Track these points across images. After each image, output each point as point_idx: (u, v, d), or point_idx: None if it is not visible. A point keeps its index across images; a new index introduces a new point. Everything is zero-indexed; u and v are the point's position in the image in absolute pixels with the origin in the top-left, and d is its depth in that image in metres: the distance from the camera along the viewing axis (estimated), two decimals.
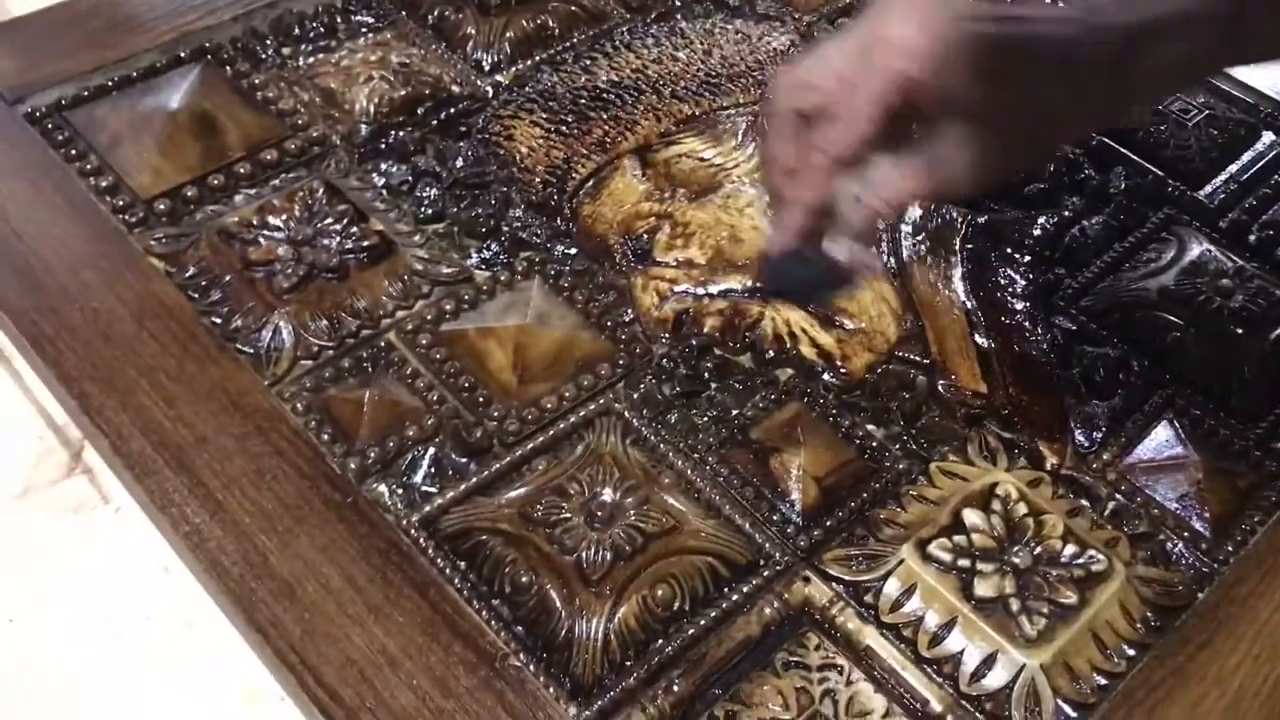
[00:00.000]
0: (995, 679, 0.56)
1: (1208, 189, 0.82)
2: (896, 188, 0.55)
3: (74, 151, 0.75)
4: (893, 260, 0.74)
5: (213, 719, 0.55)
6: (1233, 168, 0.84)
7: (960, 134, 0.54)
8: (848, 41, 0.55)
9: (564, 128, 0.80)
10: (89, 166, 0.74)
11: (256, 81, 0.81)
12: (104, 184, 0.73)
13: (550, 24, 0.88)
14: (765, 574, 0.60)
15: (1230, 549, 0.63)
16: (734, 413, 0.67)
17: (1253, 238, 0.79)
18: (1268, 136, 0.86)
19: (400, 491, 0.61)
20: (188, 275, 0.69)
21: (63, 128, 0.76)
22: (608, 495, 0.61)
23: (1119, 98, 0.58)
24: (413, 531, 0.59)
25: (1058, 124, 0.58)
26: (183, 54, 0.82)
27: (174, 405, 0.63)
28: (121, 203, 0.72)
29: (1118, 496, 0.65)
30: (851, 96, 0.53)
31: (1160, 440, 0.67)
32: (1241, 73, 0.89)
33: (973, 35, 0.52)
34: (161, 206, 0.72)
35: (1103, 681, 0.57)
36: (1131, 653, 0.58)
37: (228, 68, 0.82)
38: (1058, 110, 0.56)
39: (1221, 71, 0.66)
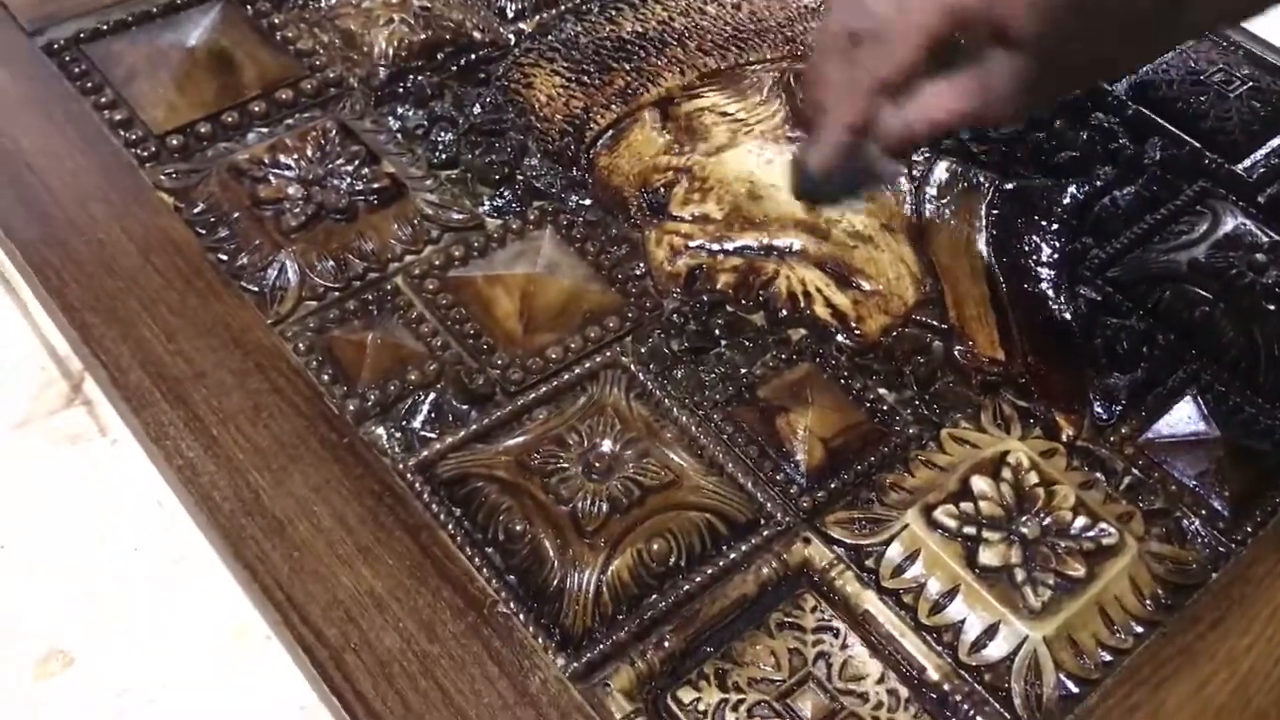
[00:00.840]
0: (996, 650, 0.55)
1: (1247, 162, 0.79)
2: (941, 109, 0.54)
3: (90, 85, 0.74)
4: (915, 222, 0.72)
5: (197, 654, 0.55)
6: (1275, 141, 0.81)
7: (1009, 61, 0.52)
8: None
9: (585, 78, 0.79)
10: (104, 100, 0.74)
11: (277, 21, 0.80)
12: (118, 118, 0.73)
13: None
14: (765, 533, 0.58)
15: (1249, 529, 0.61)
16: (742, 371, 0.65)
17: None
18: None
19: (398, 435, 0.60)
20: (196, 211, 0.68)
21: (80, 60, 0.76)
22: (607, 446, 0.60)
23: (1178, 29, 0.56)
24: (408, 475, 0.58)
25: (1114, 56, 0.56)
26: None
27: (174, 339, 0.62)
28: (134, 137, 0.72)
29: (1134, 471, 0.63)
30: (903, 20, 0.53)
31: (1182, 416, 0.65)
32: None
33: None
34: (174, 142, 0.72)
35: (1107, 658, 0.55)
36: (1139, 630, 0.56)
37: (248, 6, 0.81)
38: (1116, 42, 0.54)
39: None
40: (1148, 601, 0.57)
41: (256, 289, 0.65)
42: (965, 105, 0.54)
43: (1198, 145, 0.80)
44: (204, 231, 0.67)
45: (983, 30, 0.52)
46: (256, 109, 0.74)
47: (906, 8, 0.52)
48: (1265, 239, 0.74)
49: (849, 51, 0.55)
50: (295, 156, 0.71)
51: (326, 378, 0.62)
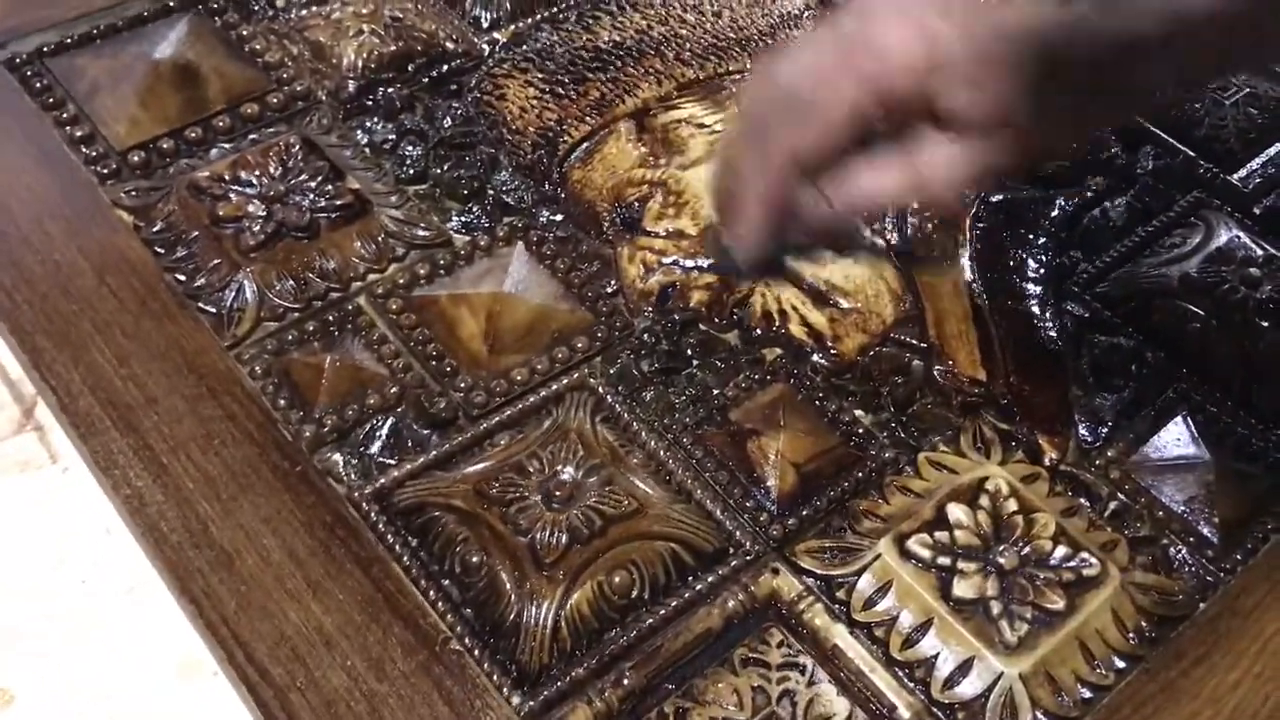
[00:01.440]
0: (970, 687, 0.53)
1: (1242, 172, 0.77)
2: (869, 191, 0.51)
3: (51, 100, 0.73)
4: (896, 237, 0.70)
5: (143, 690, 0.53)
6: (1271, 151, 0.78)
7: (946, 143, 0.49)
8: (826, 40, 0.51)
9: (559, 89, 0.77)
10: (65, 116, 0.72)
11: (245, 33, 0.79)
12: (79, 134, 0.71)
13: None
14: (733, 563, 0.56)
15: (1238, 558, 0.58)
16: (714, 392, 0.63)
17: None
18: None
19: (355, 462, 0.59)
20: (155, 230, 0.67)
21: (42, 75, 0.74)
22: (568, 474, 0.58)
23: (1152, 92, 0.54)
24: (364, 505, 0.57)
25: (1085, 123, 0.53)
26: (171, 3, 0.79)
27: (127, 364, 0.61)
28: (95, 153, 0.70)
29: (1120, 496, 0.60)
30: (826, 96, 0.50)
31: (1171, 438, 0.63)
32: None
33: (1021, 38, 0.47)
34: (135, 158, 0.70)
35: (1087, 694, 0.53)
36: (1121, 665, 0.54)
37: (217, 19, 0.80)
38: (1089, 110, 0.52)
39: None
40: (1131, 635, 0.55)
41: (214, 310, 0.64)
42: (898, 190, 0.51)
43: (1192, 154, 0.78)
44: (162, 251, 0.66)
45: (916, 111, 0.49)
46: (221, 124, 0.73)
47: (828, 83, 0.49)
48: (1260, 252, 0.71)
49: (764, 121, 0.52)
50: (257, 173, 0.69)
51: (282, 402, 0.60)
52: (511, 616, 0.53)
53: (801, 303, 0.67)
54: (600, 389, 0.63)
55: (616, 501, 0.57)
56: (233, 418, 0.59)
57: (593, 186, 0.72)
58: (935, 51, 0.48)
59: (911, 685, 0.53)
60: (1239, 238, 0.72)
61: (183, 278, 0.65)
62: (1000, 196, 0.73)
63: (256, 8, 0.81)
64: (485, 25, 0.82)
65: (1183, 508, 0.60)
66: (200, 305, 0.64)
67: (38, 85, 0.74)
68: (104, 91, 0.74)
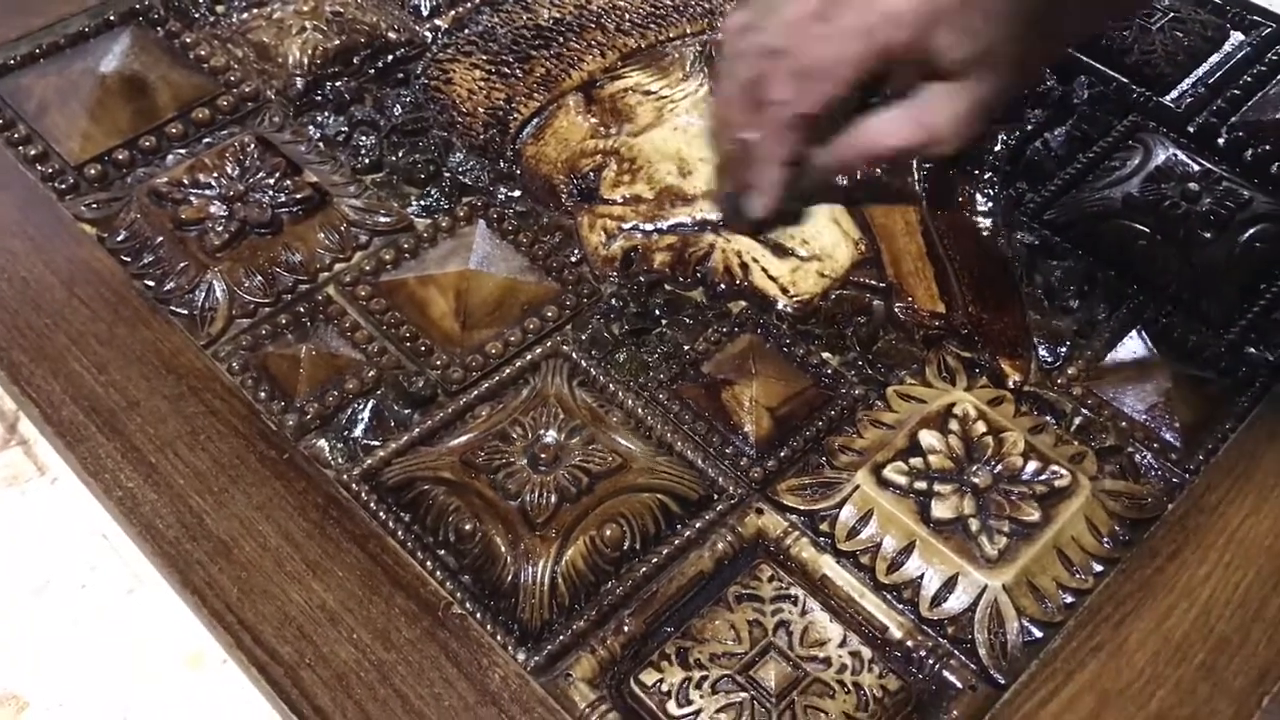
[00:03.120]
0: (957, 602, 0.55)
1: (1174, 93, 0.79)
2: (880, 144, 0.55)
3: (1, 121, 0.73)
4: (846, 182, 0.71)
5: (154, 684, 0.54)
6: (1200, 70, 0.81)
7: (949, 91, 0.53)
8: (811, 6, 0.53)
9: (505, 68, 0.78)
10: (16, 135, 0.72)
11: (188, 40, 0.79)
12: (32, 152, 0.71)
13: None
14: (718, 508, 0.58)
15: (1201, 458, 0.61)
16: (685, 348, 0.65)
17: (1221, 140, 0.76)
18: (1236, 37, 0.83)
19: (341, 446, 0.60)
20: (119, 239, 0.67)
21: None
22: (551, 437, 0.59)
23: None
24: (353, 485, 0.58)
25: (1058, 50, 0.56)
26: (112, 17, 0.80)
27: (105, 370, 0.61)
28: (50, 170, 0.71)
29: (1084, 411, 0.63)
30: (824, 55, 0.52)
31: (1127, 351, 0.65)
32: None
33: None
34: (91, 172, 0.71)
35: (1069, 599, 0.55)
36: (1099, 568, 0.56)
37: (158, 28, 0.80)
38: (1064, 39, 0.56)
39: None
40: (1105, 539, 0.57)
41: (186, 312, 0.64)
42: (907, 139, 0.55)
43: (1125, 80, 0.80)
44: (128, 259, 0.66)
45: (913, 64, 0.52)
46: (174, 131, 0.73)
47: (826, 40, 0.52)
48: (1196, 168, 0.73)
49: (761, 82, 0.54)
50: (215, 175, 0.70)
51: (263, 394, 0.61)
52: (509, 578, 0.55)
53: (761, 254, 0.68)
54: (574, 354, 0.64)
55: (601, 459, 0.58)
56: (216, 413, 0.60)
57: (547, 160, 0.73)
58: (931, 3, 0.50)
59: (900, 606, 0.55)
60: (1176, 156, 0.74)
61: (152, 283, 0.65)
62: None
63: (197, 15, 0.81)
64: (425, 13, 0.83)
65: (1144, 416, 0.62)
66: (172, 308, 0.64)
67: None
68: (53, 109, 0.74)
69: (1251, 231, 0.70)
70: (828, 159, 0.57)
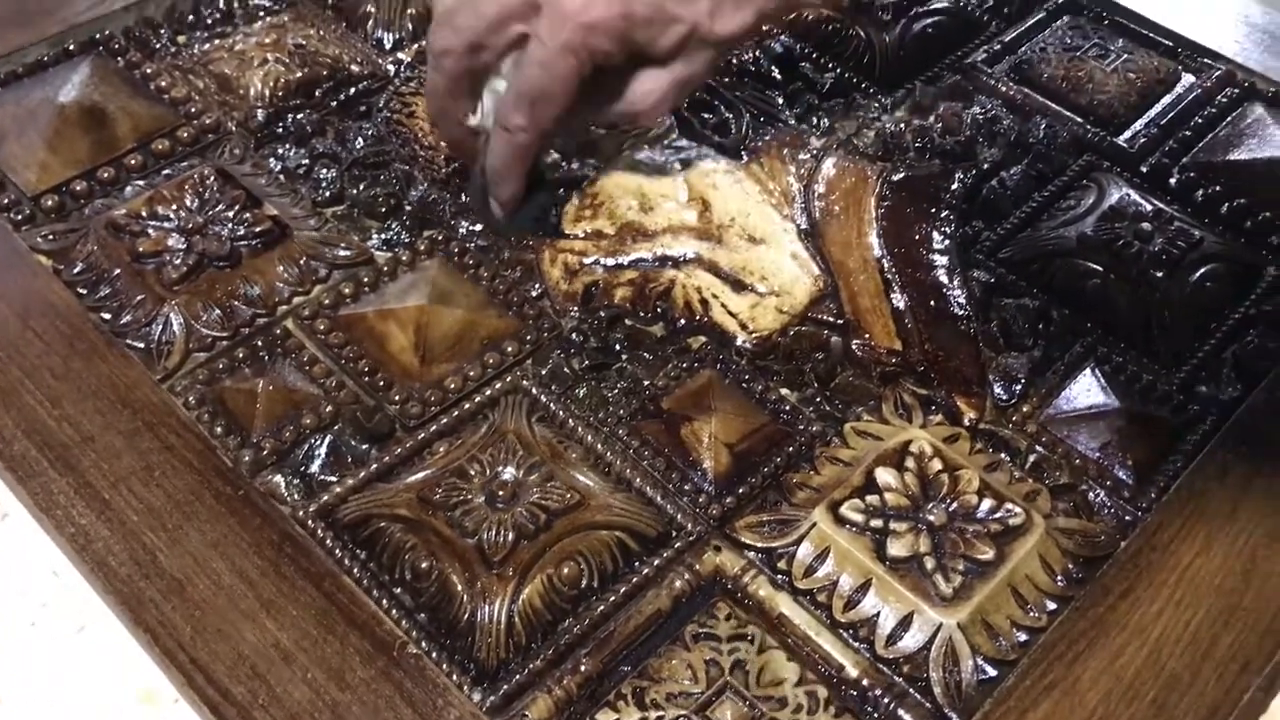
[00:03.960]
0: (912, 640, 0.55)
1: (1128, 134, 0.81)
2: (601, 122, 0.65)
3: None
4: (805, 220, 0.72)
5: None
6: (1153, 111, 0.82)
7: (653, 71, 0.61)
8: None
9: None
10: None
11: (149, 71, 0.79)
12: None
13: None
14: (676, 545, 0.58)
15: (1153, 496, 0.61)
16: (645, 383, 0.65)
17: (1173, 180, 0.78)
18: (1187, 79, 0.85)
19: (297, 482, 0.59)
20: (76, 271, 0.67)
21: None
22: (509, 474, 0.59)
23: None
24: (309, 522, 0.57)
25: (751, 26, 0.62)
26: (71, 46, 0.80)
27: (59, 405, 0.61)
28: (7, 201, 0.70)
29: (1038, 448, 0.63)
30: (556, 69, 0.59)
31: (1081, 389, 0.66)
32: (1160, 16, 0.88)
33: None
34: (49, 203, 0.70)
35: (1023, 637, 0.56)
36: (1052, 606, 0.57)
37: (119, 58, 0.80)
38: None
39: None
40: (1059, 577, 0.58)
41: (142, 345, 0.64)
42: (618, 116, 0.64)
43: (1079, 120, 0.81)
44: (85, 291, 0.66)
45: (622, 55, 0.60)
46: (133, 162, 0.73)
47: (549, 59, 0.59)
48: (1150, 208, 0.75)
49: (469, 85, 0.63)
50: (174, 207, 0.70)
51: (219, 429, 0.61)
52: (465, 616, 0.54)
53: (721, 290, 0.69)
54: (534, 390, 0.64)
55: (559, 496, 0.58)
56: (171, 449, 0.59)
57: None
58: (629, 10, 0.58)
59: (856, 645, 0.55)
60: (1129, 195, 0.76)
61: (108, 316, 0.65)
62: (901, 175, 0.76)
63: (158, 45, 0.81)
64: (388, 46, 0.83)
65: (1097, 454, 0.63)
66: (128, 341, 0.64)
67: None
68: (10, 139, 0.73)
69: (1202, 271, 0.71)
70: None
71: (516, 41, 0.60)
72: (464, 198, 0.72)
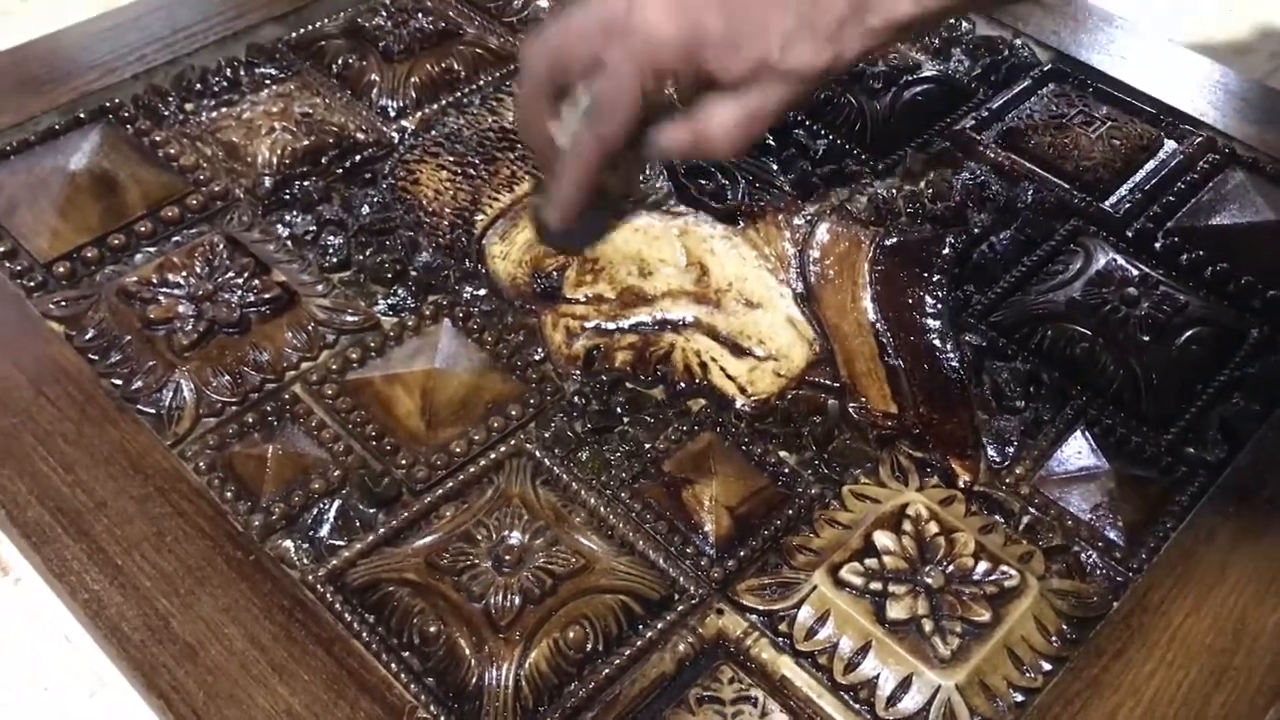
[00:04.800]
0: (911, 702, 0.56)
1: (1113, 199, 0.83)
2: (666, 150, 0.61)
3: None
4: (800, 285, 0.74)
5: None
6: (1136, 177, 0.85)
7: (722, 97, 0.59)
8: (591, 21, 0.59)
9: (471, 169, 0.80)
10: None
11: (158, 139, 0.81)
12: (1, 250, 0.72)
13: (456, 67, 0.89)
14: (679, 609, 0.59)
15: (1144, 556, 0.63)
16: (646, 446, 0.66)
17: (1158, 245, 0.80)
18: (1169, 145, 0.87)
19: (306, 546, 0.60)
20: (88, 337, 0.68)
21: None
22: (515, 538, 0.60)
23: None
24: (319, 587, 0.58)
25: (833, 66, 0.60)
26: (82, 114, 0.81)
27: (72, 470, 0.62)
28: (19, 268, 0.72)
29: (1031, 510, 0.65)
30: (614, 88, 0.58)
31: (1072, 452, 0.68)
32: (1142, 84, 0.91)
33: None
34: (61, 269, 0.72)
35: (1019, 698, 0.57)
36: (1048, 667, 0.58)
37: (128, 126, 0.81)
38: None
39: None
40: (1053, 638, 0.59)
41: (153, 411, 0.65)
42: (682, 145, 0.61)
43: (1066, 186, 0.83)
44: (96, 358, 0.67)
45: (688, 79, 0.58)
46: (143, 229, 0.75)
47: (615, 73, 0.58)
48: (1136, 272, 0.77)
49: (553, 106, 0.62)
50: (184, 274, 0.71)
51: (230, 494, 0.62)
52: (474, 681, 0.55)
53: (720, 354, 0.70)
54: (537, 453, 0.65)
55: (564, 560, 0.60)
56: (183, 514, 0.60)
57: (512, 260, 0.75)
58: (699, 31, 0.56)
59: (857, 706, 0.56)
60: (1115, 260, 0.78)
61: (119, 382, 0.66)
62: (894, 240, 0.78)
63: (167, 113, 0.83)
64: (393, 114, 0.85)
65: (1089, 515, 0.65)
66: (139, 407, 0.65)
67: None
68: (23, 206, 0.75)
69: (1188, 335, 0.73)
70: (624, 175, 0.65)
71: (599, 61, 0.60)
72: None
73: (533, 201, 0.73)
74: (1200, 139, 0.87)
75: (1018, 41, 0.95)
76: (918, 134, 0.87)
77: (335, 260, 0.74)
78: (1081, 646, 0.59)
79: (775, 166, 0.83)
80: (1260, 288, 0.77)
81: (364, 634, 0.57)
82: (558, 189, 0.64)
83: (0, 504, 0.60)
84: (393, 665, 0.56)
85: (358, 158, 0.81)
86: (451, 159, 0.81)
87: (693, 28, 0.56)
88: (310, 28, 0.92)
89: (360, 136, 0.82)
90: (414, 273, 0.74)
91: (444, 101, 0.86)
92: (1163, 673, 0.58)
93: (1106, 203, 0.83)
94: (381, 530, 0.61)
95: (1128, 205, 0.82)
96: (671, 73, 0.58)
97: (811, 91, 0.62)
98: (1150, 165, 0.86)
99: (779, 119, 0.61)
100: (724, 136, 0.60)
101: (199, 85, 0.85)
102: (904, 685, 0.56)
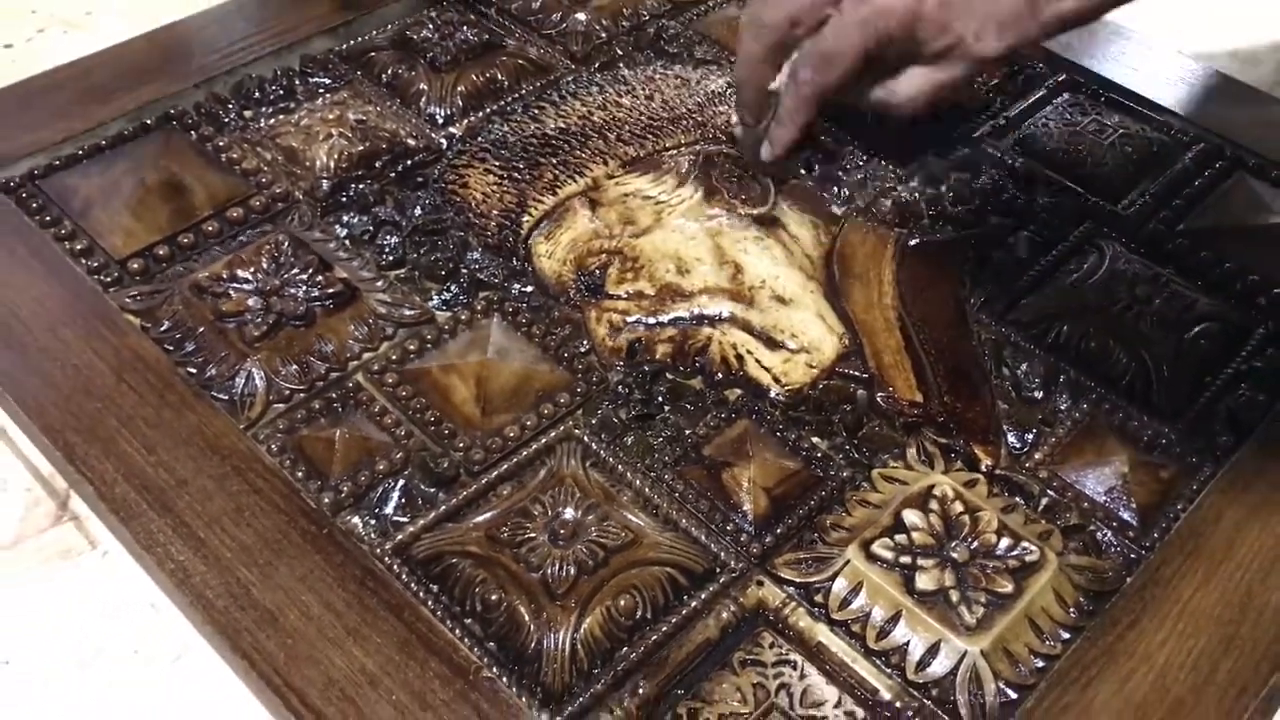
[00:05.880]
0: (940, 666, 0.60)
1: (1125, 202, 0.87)
2: (872, 100, 0.70)
3: (48, 218, 0.79)
4: (829, 282, 0.78)
5: None
6: (1147, 182, 0.89)
7: (921, 70, 0.67)
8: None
9: (516, 174, 0.85)
10: (63, 231, 0.78)
11: (220, 144, 0.85)
12: (78, 247, 0.77)
13: (499, 77, 0.93)
14: (721, 580, 0.63)
15: (1156, 536, 0.67)
16: (687, 432, 0.71)
17: (1168, 246, 0.84)
18: (1179, 152, 0.91)
19: (373, 522, 0.65)
20: (163, 329, 0.73)
21: (36, 196, 0.80)
22: (569, 514, 0.65)
23: None
24: (386, 559, 0.63)
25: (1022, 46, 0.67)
26: (148, 121, 0.86)
27: (154, 451, 0.66)
28: (96, 264, 0.76)
29: (1050, 492, 0.69)
30: (836, 42, 0.67)
31: (1088, 438, 0.72)
32: (1153, 93, 0.95)
33: None
34: (135, 266, 0.76)
35: (1040, 664, 0.61)
36: (1066, 636, 0.62)
37: (192, 132, 0.86)
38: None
39: None
40: (1071, 610, 0.63)
41: (226, 397, 0.70)
42: (879, 103, 0.70)
43: (1080, 190, 0.88)
44: (172, 348, 0.72)
45: (902, 46, 0.66)
46: (210, 228, 0.79)
47: (840, 31, 0.67)
48: (1147, 271, 0.81)
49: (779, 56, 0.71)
50: (252, 270, 0.76)
51: (301, 474, 0.66)
52: (533, 644, 0.60)
53: (755, 346, 0.75)
54: (586, 438, 0.70)
55: (614, 534, 0.64)
56: (259, 491, 0.65)
57: (556, 259, 0.80)
58: (921, 7, 0.64)
59: (889, 670, 0.60)
60: (1128, 260, 0.82)
61: (194, 370, 0.71)
62: (917, 240, 0.82)
63: (227, 120, 0.88)
64: (440, 122, 0.90)
65: (1104, 498, 0.69)
66: (214, 394, 0.70)
67: (34, 205, 0.79)
68: (97, 207, 0.80)
69: (1197, 330, 0.77)
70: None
71: (825, 20, 0.68)
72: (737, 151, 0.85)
73: (741, 148, 0.83)
74: (1208, 146, 0.91)
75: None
76: (939, 141, 0.92)
77: (391, 259, 0.79)
78: (1097, 617, 0.63)
79: (804, 172, 0.88)
80: (1265, 286, 0.81)
81: (430, 602, 0.61)
82: (778, 127, 0.74)
83: (89, 481, 0.64)
84: (457, 630, 0.60)
85: (409, 162, 0.86)
86: (497, 164, 0.85)
87: (917, 4, 0.64)
88: (359, 40, 0.96)
89: (411, 142, 0.87)
90: (465, 270, 0.79)
91: (488, 109, 0.91)
92: (1174, 641, 0.62)
93: (1119, 206, 0.87)
94: (443, 507, 0.65)
95: (1139, 209, 0.87)
96: (890, 38, 0.66)
97: (978, 75, 0.72)
98: (1161, 171, 0.90)
99: (952, 94, 0.70)
100: (910, 100, 0.69)
101: (257, 94, 0.90)
102: (932, 651, 0.61)
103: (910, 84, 0.68)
